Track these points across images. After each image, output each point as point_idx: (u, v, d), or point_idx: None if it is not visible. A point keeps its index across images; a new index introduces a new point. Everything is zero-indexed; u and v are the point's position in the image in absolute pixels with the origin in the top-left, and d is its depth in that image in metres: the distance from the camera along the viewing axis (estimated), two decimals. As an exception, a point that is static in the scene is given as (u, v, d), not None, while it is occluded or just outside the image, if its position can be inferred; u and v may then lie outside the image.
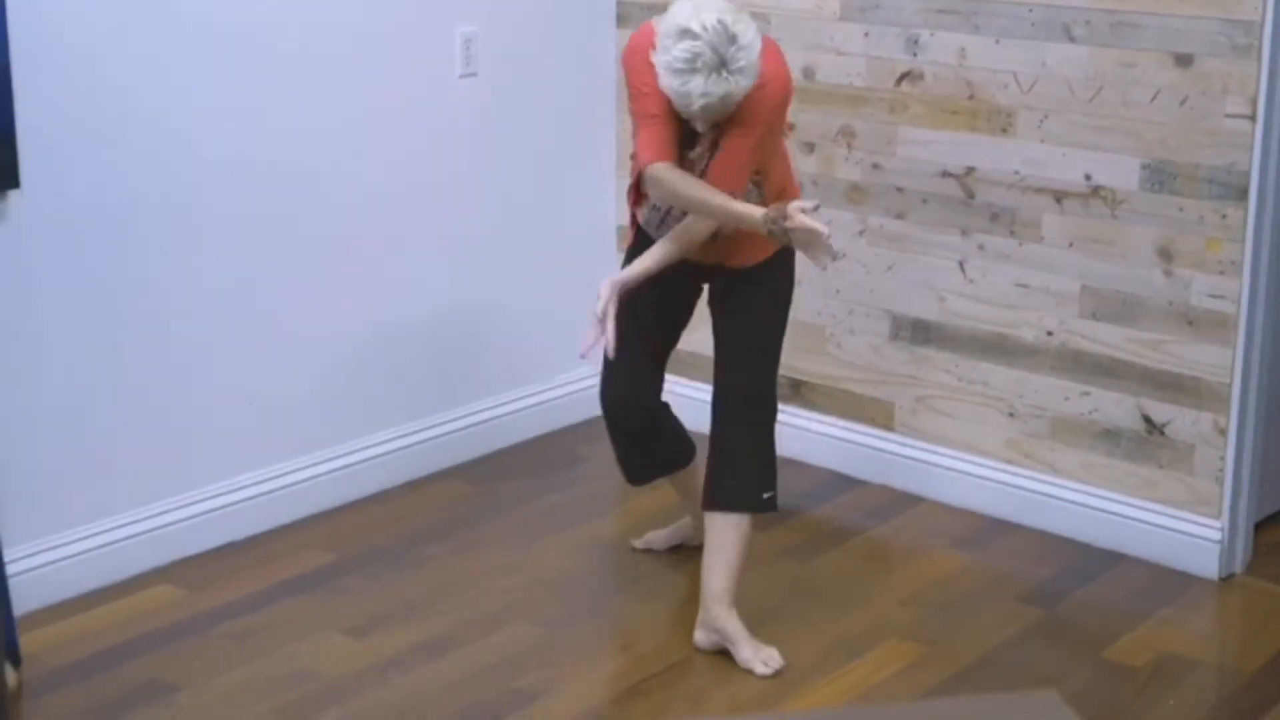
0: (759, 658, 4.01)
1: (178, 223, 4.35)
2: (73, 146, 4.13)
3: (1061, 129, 4.55)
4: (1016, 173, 4.64)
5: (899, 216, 4.87)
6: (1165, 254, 4.45)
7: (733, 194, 3.85)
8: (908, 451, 4.96)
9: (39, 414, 4.18)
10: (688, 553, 4.48)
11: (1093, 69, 4.48)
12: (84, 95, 4.13)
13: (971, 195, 4.73)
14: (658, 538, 4.59)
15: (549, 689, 3.94)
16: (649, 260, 3.98)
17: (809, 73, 4.89)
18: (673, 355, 4.32)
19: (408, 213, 4.86)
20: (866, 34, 4.82)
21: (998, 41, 4.61)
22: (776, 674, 3.99)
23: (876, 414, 5.02)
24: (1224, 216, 4.35)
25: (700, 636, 4.09)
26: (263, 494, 4.63)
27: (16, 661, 3.91)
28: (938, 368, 4.88)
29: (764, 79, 3.78)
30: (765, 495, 4.08)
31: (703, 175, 3.87)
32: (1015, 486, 4.78)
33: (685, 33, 3.66)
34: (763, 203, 3.94)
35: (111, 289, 4.25)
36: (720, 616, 4.04)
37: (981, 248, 4.74)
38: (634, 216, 4.12)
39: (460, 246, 5.02)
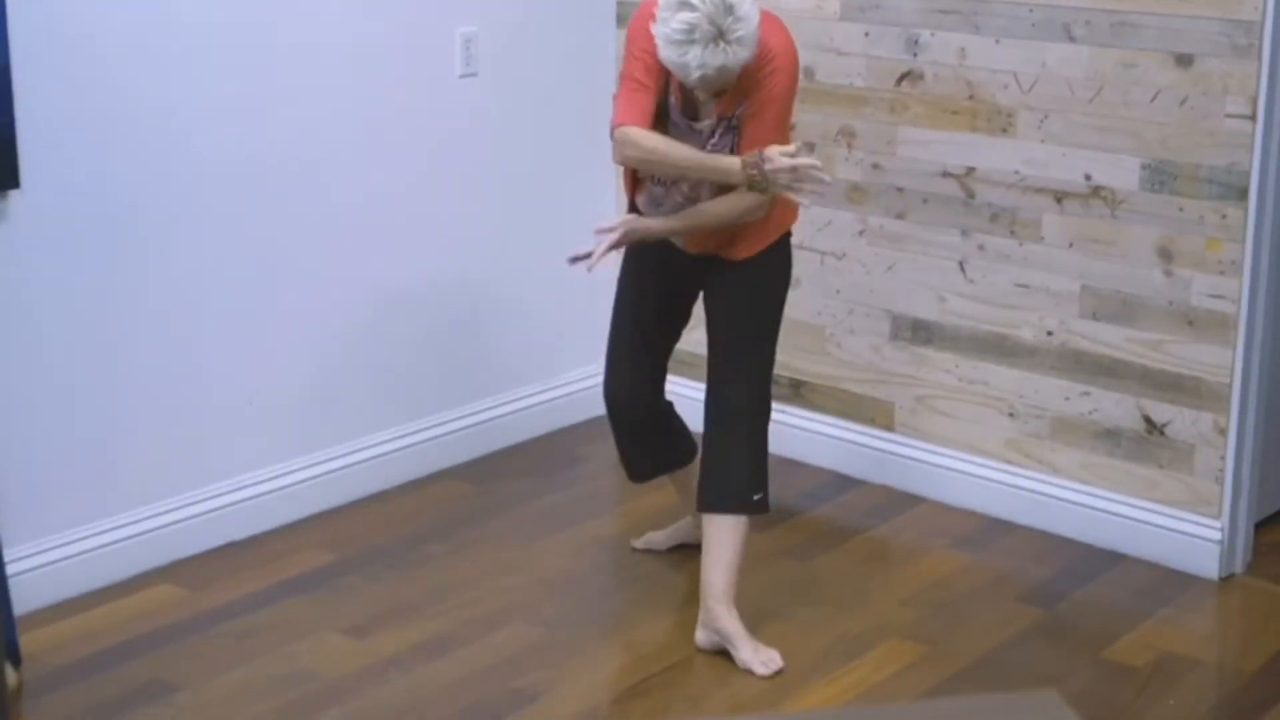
0: (759, 658, 4.01)
1: (177, 222, 4.36)
2: (73, 147, 4.13)
3: (1062, 129, 4.55)
4: (1017, 173, 4.64)
5: (899, 216, 4.87)
6: (1165, 254, 4.45)
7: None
8: (908, 451, 4.96)
9: (39, 414, 4.18)
10: (688, 553, 4.48)
11: (1093, 69, 4.48)
12: (84, 95, 4.13)
13: (972, 195, 4.73)
14: (658, 538, 4.59)
15: (549, 689, 3.94)
16: (663, 223, 3.96)
17: (809, 73, 4.89)
18: (673, 355, 4.32)
19: (408, 213, 4.86)
20: (867, 34, 4.82)
21: (998, 41, 4.61)
22: (776, 674, 3.99)
23: (877, 414, 5.02)
24: (1224, 216, 4.35)
25: (701, 636, 4.09)
26: (263, 494, 4.64)
27: (17, 661, 3.91)
28: (938, 368, 4.88)
29: (772, 54, 3.81)
30: (756, 497, 4.09)
31: (717, 149, 3.87)
32: (1015, 486, 4.78)
33: (683, 4, 3.70)
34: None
35: (111, 289, 4.25)
36: (720, 616, 4.04)
37: (982, 248, 4.74)
38: (632, 204, 4.12)
39: (460, 246, 5.02)
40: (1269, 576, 4.53)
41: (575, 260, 3.96)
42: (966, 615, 4.30)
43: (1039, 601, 4.37)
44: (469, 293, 5.07)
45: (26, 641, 4.01)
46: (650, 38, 3.79)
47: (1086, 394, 4.64)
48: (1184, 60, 4.34)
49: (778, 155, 3.78)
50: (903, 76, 4.79)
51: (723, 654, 4.06)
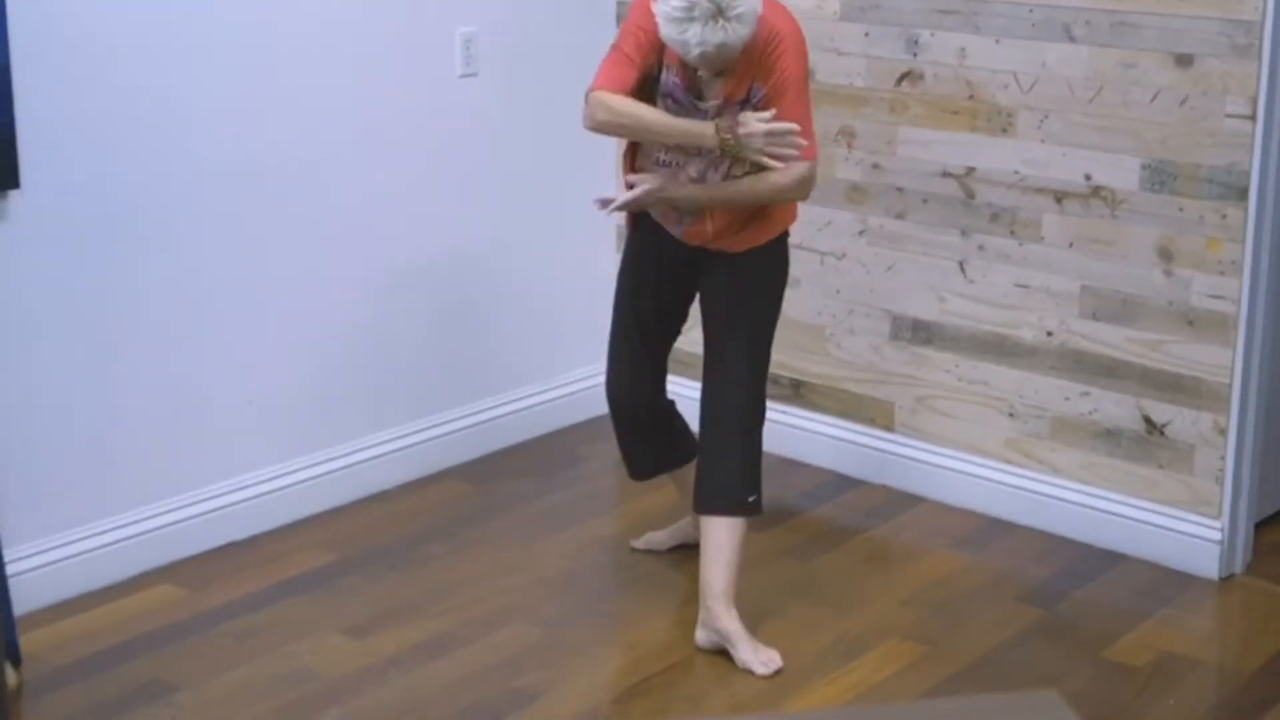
0: (758, 658, 4.01)
1: (177, 223, 4.36)
2: (73, 147, 4.13)
3: (1062, 129, 4.55)
4: (1017, 173, 4.64)
5: (899, 216, 4.87)
6: (1165, 254, 4.45)
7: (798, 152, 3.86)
8: (908, 452, 4.96)
9: (39, 414, 4.18)
10: (688, 553, 4.47)
11: (1093, 69, 4.48)
12: (84, 95, 4.13)
13: (972, 195, 4.73)
14: (658, 538, 4.59)
15: (549, 689, 3.94)
16: (692, 192, 3.93)
17: (809, 73, 4.88)
18: (672, 355, 4.32)
19: (408, 213, 4.86)
20: (867, 34, 4.82)
21: (998, 41, 4.61)
22: (776, 674, 3.99)
23: (877, 414, 5.02)
24: (1224, 216, 4.35)
25: (701, 636, 4.10)
26: (263, 494, 4.64)
27: (17, 661, 3.91)
28: (938, 368, 4.88)
29: (778, 36, 3.83)
30: (751, 499, 4.09)
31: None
32: (1015, 487, 4.78)
33: None
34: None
35: (111, 289, 4.25)
36: (720, 616, 4.04)
37: (981, 248, 4.74)
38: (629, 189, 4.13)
39: (460, 246, 5.02)
40: (1269, 576, 4.53)
41: (600, 202, 3.96)
42: (966, 615, 4.30)
43: (1039, 601, 4.37)
44: (469, 293, 5.07)
45: (27, 641, 4.01)
46: (649, 15, 3.80)
47: (1086, 394, 4.64)
48: (1184, 60, 4.34)
49: (752, 120, 3.79)
50: (903, 76, 4.79)
51: (723, 654, 4.06)
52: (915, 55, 4.76)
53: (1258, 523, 4.64)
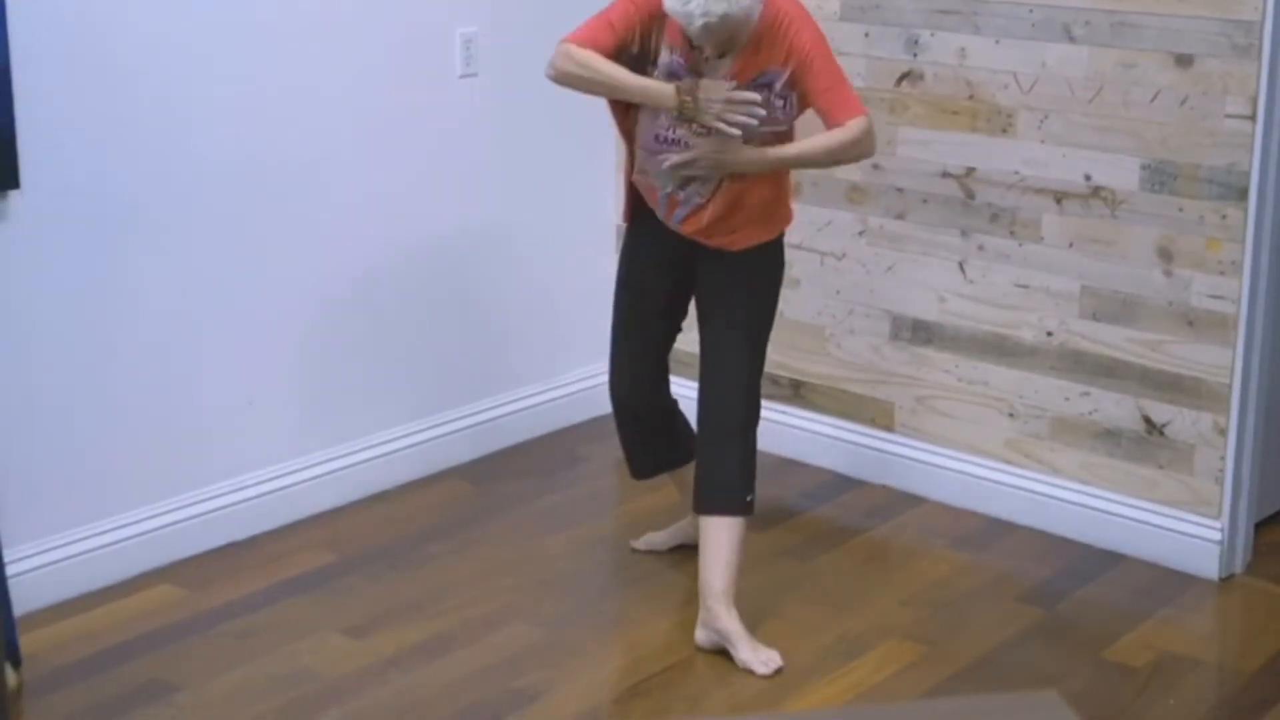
0: (758, 658, 4.01)
1: (177, 223, 4.36)
2: (73, 147, 4.13)
3: (1061, 129, 4.55)
4: (1016, 173, 4.64)
5: (899, 217, 4.87)
6: (1165, 254, 4.45)
7: (839, 122, 3.86)
8: (908, 452, 4.96)
9: (39, 414, 4.18)
10: (688, 553, 4.47)
11: (1093, 69, 4.48)
12: (84, 96, 4.13)
13: (971, 195, 4.74)
14: (658, 538, 4.59)
15: (549, 689, 3.94)
16: (753, 156, 3.89)
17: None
18: (671, 355, 4.33)
19: (408, 213, 4.86)
20: (867, 34, 4.82)
21: (998, 42, 4.61)
22: (776, 674, 3.99)
23: (877, 414, 5.02)
24: (1224, 217, 4.35)
25: (701, 635, 4.10)
26: (263, 494, 4.64)
27: (17, 662, 3.91)
28: (938, 368, 4.88)
29: (784, 15, 3.85)
30: (748, 498, 4.09)
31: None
32: (1015, 487, 4.78)
33: None
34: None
35: (111, 289, 4.25)
36: (720, 616, 4.04)
37: (981, 248, 4.74)
38: (630, 186, 4.13)
39: (460, 246, 5.02)
40: (1269, 577, 4.53)
41: (658, 160, 3.93)
42: (966, 615, 4.30)
43: (1039, 601, 4.37)
44: (469, 293, 5.07)
45: (27, 642, 4.01)
46: None
47: (1086, 394, 4.64)
48: (1184, 60, 4.34)
49: (714, 86, 3.80)
50: (903, 77, 4.79)
51: (723, 654, 4.06)
52: (915, 55, 4.76)
53: (1257, 523, 4.64)
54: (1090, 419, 4.64)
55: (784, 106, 3.93)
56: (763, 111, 3.83)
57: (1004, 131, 4.64)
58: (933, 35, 4.71)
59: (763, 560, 4.46)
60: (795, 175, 4.32)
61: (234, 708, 3.85)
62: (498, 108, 5.03)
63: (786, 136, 3.98)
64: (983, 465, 4.84)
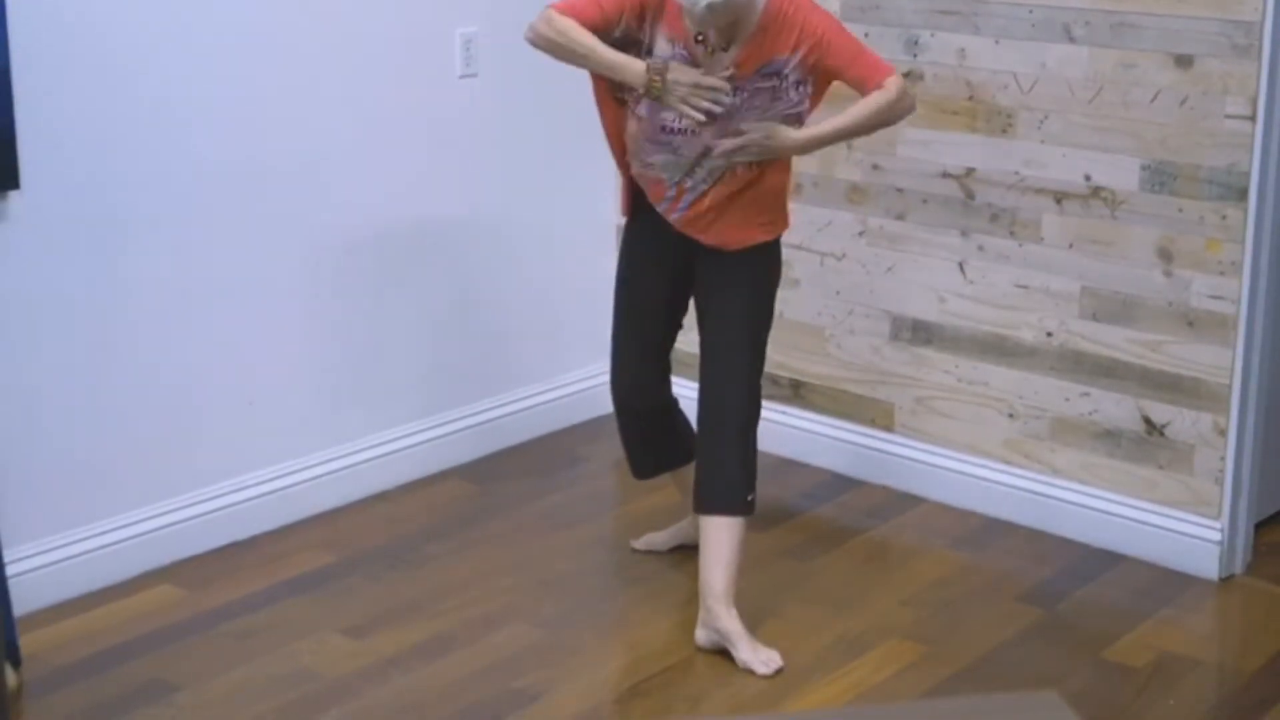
0: (759, 658, 4.01)
1: (177, 223, 4.36)
2: (72, 147, 4.13)
3: (1061, 130, 4.55)
4: (1016, 173, 4.64)
5: (899, 217, 4.87)
6: (1165, 254, 4.45)
7: (868, 87, 3.88)
8: (907, 452, 4.96)
9: (39, 414, 4.18)
10: (688, 553, 4.47)
11: (1093, 69, 4.48)
12: (84, 96, 4.13)
13: (971, 196, 4.74)
14: (658, 539, 4.59)
15: (549, 689, 3.94)
16: (806, 135, 3.90)
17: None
18: (672, 355, 4.32)
19: (408, 214, 4.86)
20: (866, 34, 4.81)
21: (998, 42, 4.61)
22: (776, 674, 3.99)
23: (876, 415, 5.02)
24: (1224, 217, 4.35)
25: (701, 635, 4.10)
26: (263, 494, 4.64)
27: (17, 662, 3.91)
28: (937, 368, 4.88)
29: (793, 5, 3.85)
30: (749, 498, 4.09)
31: (748, 108, 3.87)
32: (1015, 487, 4.78)
33: None
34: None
35: (111, 290, 4.25)
36: (721, 616, 4.04)
37: (981, 248, 4.74)
38: (628, 181, 4.13)
39: (460, 247, 5.02)
40: (1268, 577, 4.53)
41: (707, 146, 3.93)
42: (966, 615, 4.30)
43: (1039, 602, 4.37)
44: (469, 293, 5.07)
45: (27, 642, 4.01)
46: None
47: (1086, 395, 4.64)
48: (1184, 61, 4.34)
49: (680, 68, 3.80)
50: (903, 77, 4.78)
51: (723, 654, 4.06)
52: (915, 56, 4.76)
53: (1257, 523, 4.64)
54: (1090, 419, 4.64)
55: (798, 91, 3.91)
56: (728, 100, 3.82)
57: (1004, 132, 4.65)
58: (932, 36, 4.72)
59: (763, 560, 4.46)
60: (795, 176, 4.32)
61: (234, 708, 3.85)
62: (497, 108, 5.03)
63: (801, 122, 3.98)
64: (982, 465, 4.84)
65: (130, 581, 4.36)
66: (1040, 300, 4.66)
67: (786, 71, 3.88)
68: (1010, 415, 4.78)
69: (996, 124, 4.65)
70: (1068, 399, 4.67)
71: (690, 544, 4.49)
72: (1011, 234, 4.68)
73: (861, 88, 3.91)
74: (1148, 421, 4.55)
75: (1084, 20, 4.47)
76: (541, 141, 5.16)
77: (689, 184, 3.98)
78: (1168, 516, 4.55)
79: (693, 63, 3.87)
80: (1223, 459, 4.46)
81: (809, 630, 4.20)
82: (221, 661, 4.03)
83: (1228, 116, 4.30)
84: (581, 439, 5.28)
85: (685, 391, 4.48)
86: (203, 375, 4.47)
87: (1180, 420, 4.50)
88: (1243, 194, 4.32)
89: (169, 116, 4.29)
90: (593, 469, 5.10)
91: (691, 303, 4.22)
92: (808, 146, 3.96)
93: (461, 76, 4.92)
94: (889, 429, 5.00)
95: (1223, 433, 4.45)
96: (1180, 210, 4.41)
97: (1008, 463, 4.80)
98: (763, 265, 4.11)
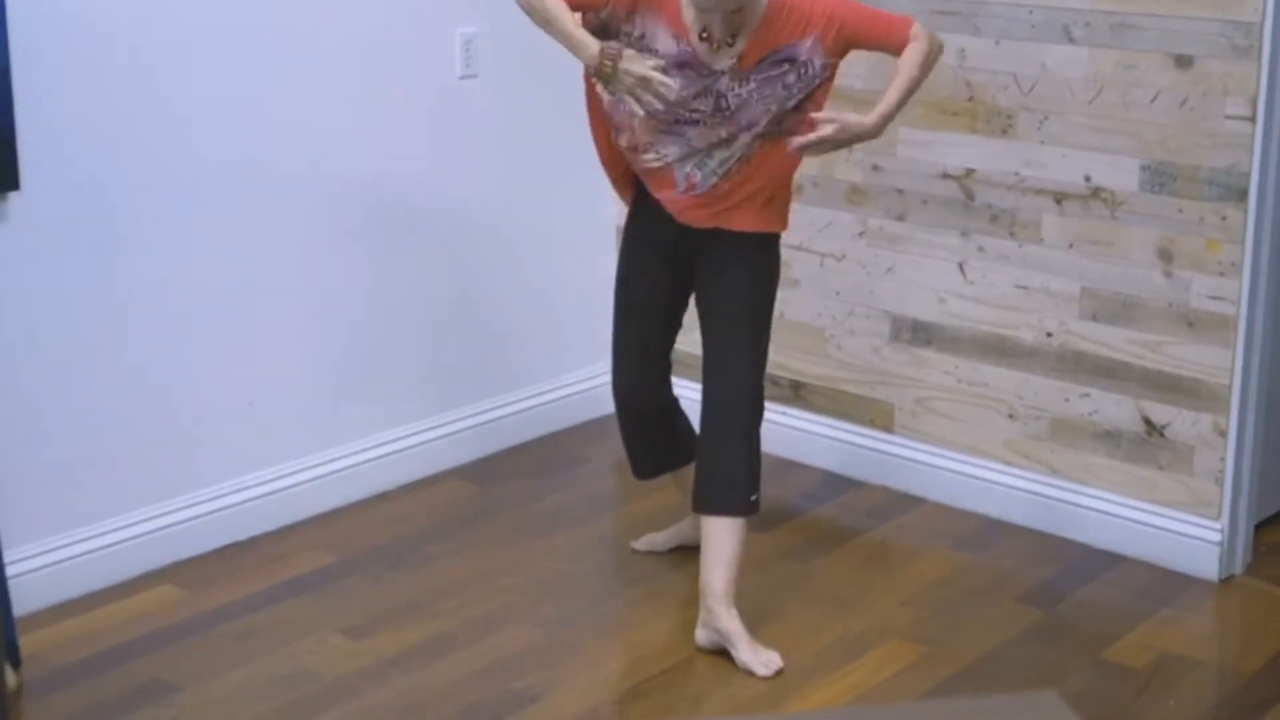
0: (759, 659, 4.01)
1: (177, 224, 4.36)
2: (72, 148, 4.13)
3: (1061, 130, 4.56)
4: (1016, 174, 4.64)
5: (899, 218, 4.87)
6: (1165, 255, 4.45)
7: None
8: (907, 453, 4.97)
9: (39, 415, 4.18)
10: (688, 553, 4.48)
11: (1092, 70, 4.48)
12: (84, 97, 4.13)
13: (971, 196, 4.74)
14: (658, 539, 4.59)
15: (549, 690, 3.94)
16: (879, 114, 3.86)
17: None
18: (672, 356, 4.33)
19: (408, 215, 4.87)
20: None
21: (997, 43, 4.61)
22: (776, 675, 3.99)
23: (876, 415, 5.03)
24: (1224, 218, 4.35)
25: (701, 635, 4.10)
26: (264, 495, 4.64)
27: (17, 663, 3.91)
28: (937, 369, 4.89)
29: None
30: (752, 498, 4.09)
31: (752, 98, 3.86)
32: (1015, 488, 4.78)
33: None
34: (794, 132, 3.96)
35: (111, 290, 4.26)
36: (721, 616, 4.04)
37: (981, 249, 4.74)
38: (627, 179, 4.13)
39: (460, 248, 5.02)
40: (1268, 578, 4.54)
41: (798, 145, 3.90)
42: (966, 616, 4.30)
43: (1039, 602, 4.37)
44: (469, 294, 5.07)
45: (27, 643, 4.01)
46: None
47: (1086, 395, 4.64)
48: (1184, 61, 4.34)
49: (637, 60, 3.79)
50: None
51: (723, 654, 4.06)
52: (915, 56, 4.75)
53: (1257, 524, 4.64)
54: (1090, 420, 4.64)
55: (819, 71, 3.90)
56: (672, 97, 3.81)
57: (1004, 132, 4.65)
58: (933, 36, 4.71)
59: (762, 561, 4.46)
60: (796, 177, 4.31)
61: (234, 708, 3.85)
62: (498, 109, 5.03)
63: (819, 106, 3.97)
64: (982, 466, 4.84)
65: (130, 582, 4.36)
66: (1040, 301, 4.66)
67: (803, 57, 3.87)
68: (1010, 416, 4.78)
69: (996, 125, 4.65)
70: (1068, 399, 4.67)
71: (690, 544, 4.49)
72: (1011, 235, 4.68)
73: (888, 47, 3.92)
74: (1148, 422, 4.55)
75: (1084, 21, 4.47)
76: (541, 142, 5.16)
77: (699, 176, 3.98)
78: (1168, 517, 4.55)
79: (698, 60, 3.86)
80: (1223, 460, 4.46)
81: (809, 631, 4.20)
82: (222, 662, 4.03)
83: (1228, 117, 4.30)
84: (582, 439, 5.28)
85: (686, 392, 4.49)
86: (203, 376, 4.47)
87: (1180, 421, 4.50)
88: (1243, 195, 4.32)
89: (169, 117, 4.29)
90: (593, 469, 5.11)
91: (692, 303, 4.22)
92: (882, 125, 3.90)
93: (462, 77, 4.92)
94: (889, 429, 5.01)
95: (1223, 433, 4.45)
96: (1180, 211, 4.41)
97: (1008, 463, 4.80)
98: (763, 266, 4.11)
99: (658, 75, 3.79)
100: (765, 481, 4.18)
